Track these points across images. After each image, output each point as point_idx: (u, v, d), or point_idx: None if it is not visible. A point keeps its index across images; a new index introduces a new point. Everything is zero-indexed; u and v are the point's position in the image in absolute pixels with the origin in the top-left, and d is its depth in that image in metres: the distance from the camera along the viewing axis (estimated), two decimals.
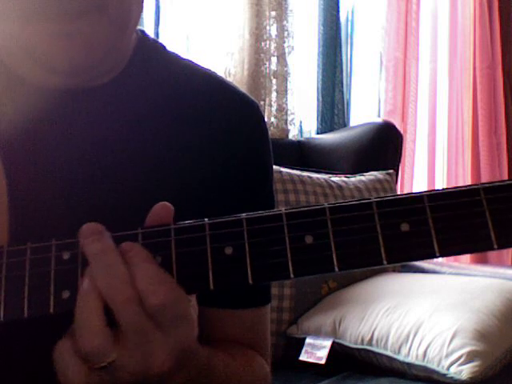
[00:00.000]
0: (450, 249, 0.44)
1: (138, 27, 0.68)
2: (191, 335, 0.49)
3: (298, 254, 0.46)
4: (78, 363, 0.46)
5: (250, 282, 0.46)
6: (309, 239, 0.46)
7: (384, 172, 2.01)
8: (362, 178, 1.96)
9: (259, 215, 0.47)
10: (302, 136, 2.45)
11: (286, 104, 2.35)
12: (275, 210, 0.47)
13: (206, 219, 0.48)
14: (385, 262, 0.44)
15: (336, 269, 0.45)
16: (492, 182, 0.45)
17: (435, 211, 0.44)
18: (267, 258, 0.46)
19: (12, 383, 0.61)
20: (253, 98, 0.75)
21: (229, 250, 0.47)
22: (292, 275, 0.46)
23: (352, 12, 2.70)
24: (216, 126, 0.68)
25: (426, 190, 0.46)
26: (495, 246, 0.43)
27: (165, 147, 0.66)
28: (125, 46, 0.64)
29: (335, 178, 1.93)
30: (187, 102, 0.68)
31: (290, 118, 2.36)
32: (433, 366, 1.43)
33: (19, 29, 0.56)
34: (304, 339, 1.65)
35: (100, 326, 0.45)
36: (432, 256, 0.44)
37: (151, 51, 0.70)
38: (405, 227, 0.45)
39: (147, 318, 0.46)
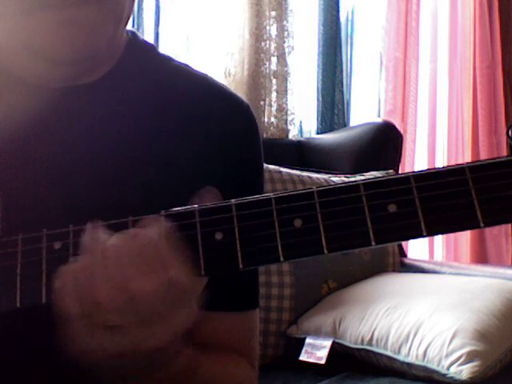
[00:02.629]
0: (437, 228, 0.45)
1: (135, 29, 0.68)
2: (187, 322, 0.49)
3: (287, 238, 0.46)
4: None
5: (241, 266, 0.47)
6: (298, 223, 0.46)
7: (384, 172, 2.01)
8: (362, 178, 1.96)
9: (248, 200, 0.48)
10: (302, 136, 2.45)
11: (286, 104, 2.35)
12: (264, 194, 0.47)
13: (195, 205, 0.48)
14: (373, 243, 0.45)
15: (325, 251, 0.45)
16: (477, 161, 0.45)
17: (422, 191, 0.45)
18: (257, 243, 0.47)
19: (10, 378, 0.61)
20: (243, 98, 0.75)
21: (219, 236, 0.47)
22: (282, 258, 0.46)
23: (352, 12, 2.70)
24: (205, 127, 0.68)
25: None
26: (482, 225, 0.44)
27: (156, 146, 0.66)
28: (118, 38, 0.65)
29: (335, 178, 1.93)
30: (178, 103, 0.69)
31: (290, 118, 2.36)
32: (433, 366, 1.43)
33: (20, 21, 0.56)
34: (304, 339, 1.65)
35: (121, 285, 0.46)
36: (419, 236, 0.45)
37: (142, 51, 0.70)
38: (392, 208, 0.45)
39: (157, 292, 0.46)
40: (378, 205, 0.45)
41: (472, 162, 0.45)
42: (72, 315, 0.47)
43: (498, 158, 0.45)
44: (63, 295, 0.47)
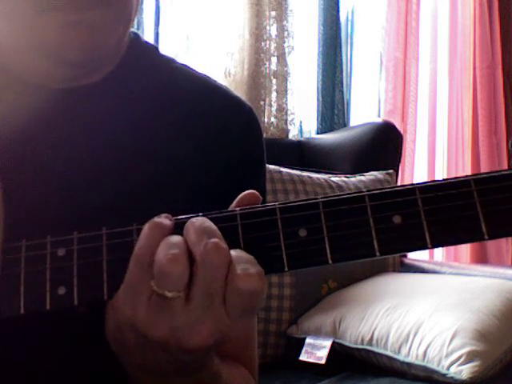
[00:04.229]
0: (442, 240, 0.45)
1: (135, 29, 0.68)
2: (231, 333, 0.48)
3: (292, 248, 0.46)
4: (147, 289, 0.46)
5: None
6: (303, 233, 0.46)
7: (384, 172, 2.01)
8: (362, 178, 1.97)
9: (253, 210, 0.48)
10: (302, 136, 2.45)
11: (286, 104, 2.35)
12: (269, 204, 0.47)
13: (200, 214, 0.48)
14: (377, 254, 0.45)
15: (330, 261, 0.46)
16: (483, 173, 0.45)
17: (427, 203, 0.45)
18: (261, 252, 0.47)
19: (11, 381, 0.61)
20: (245, 100, 0.75)
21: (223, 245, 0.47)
22: (286, 268, 0.46)
23: (352, 12, 2.70)
24: (207, 128, 0.68)
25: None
26: (486, 237, 0.44)
27: (158, 147, 0.66)
28: (124, 39, 0.65)
29: (335, 178, 1.93)
30: (179, 104, 0.69)
31: (290, 118, 2.36)
32: (433, 366, 1.43)
33: (31, 21, 0.56)
34: (304, 339, 1.65)
35: (182, 254, 0.45)
36: (424, 248, 0.45)
37: (144, 52, 0.70)
38: (397, 219, 0.45)
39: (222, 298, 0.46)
40: (383, 216, 0.45)
41: (477, 174, 0.45)
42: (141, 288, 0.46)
43: (503, 170, 0.45)
44: (134, 270, 0.46)
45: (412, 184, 0.46)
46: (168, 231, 0.47)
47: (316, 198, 0.47)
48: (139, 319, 0.47)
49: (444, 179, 0.46)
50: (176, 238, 0.46)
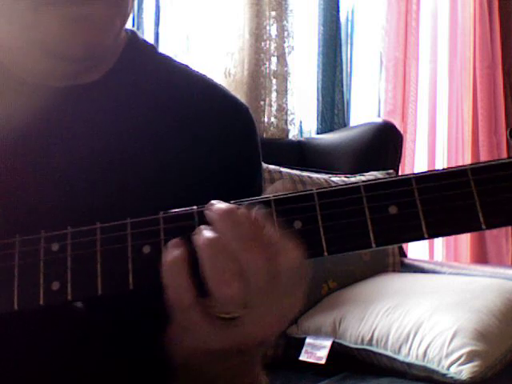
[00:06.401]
0: (439, 231, 0.44)
1: (135, 29, 0.68)
2: (293, 311, 0.49)
3: None
4: (206, 316, 0.46)
5: None
6: (298, 224, 0.46)
7: (384, 172, 2.01)
8: (362, 178, 1.96)
9: (248, 202, 0.47)
10: (302, 136, 2.45)
11: (286, 104, 2.35)
12: (263, 196, 0.47)
13: (194, 207, 0.48)
14: (373, 245, 0.45)
15: (325, 253, 0.45)
16: (479, 163, 0.44)
17: (423, 193, 0.45)
18: None
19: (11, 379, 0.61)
20: (245, 100, 0.75)
21: None
22: None
23: (352, 12, 2.70)
24: (204, 126, 0.69)
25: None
26: (483, 227, 0.43)
27: (156, 146, 0.66)
28: (121, 35, 0.65)
29: (335, 178, 1.93)
30: (178, 104, 0.69)
31: (290, 118, 2.36)
32: (433, 365, 1.43)
33: (30, 17, 0.56)
34: (304, 339, 1.65)
35: (236, 272, 0.45)
36: (421, 238, 0.44)
37: (142, 51, 0.70)
38: (393, 210, 0.45)
39: (270, 277, 0.45)
40: (378, 206, 0.45)
41: (474, 164, 0.44)
42: (185, 304, 0.46)
43: (500, 159, 0.44)
44: (177, 284, 0.46)
45: (408, 174, 0.45)
46: (187, 262, 0.46)
47: (311, 190, 0.46)
48: (208, 345, 0.47)
49: (440, 169, 0.45)
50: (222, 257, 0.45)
